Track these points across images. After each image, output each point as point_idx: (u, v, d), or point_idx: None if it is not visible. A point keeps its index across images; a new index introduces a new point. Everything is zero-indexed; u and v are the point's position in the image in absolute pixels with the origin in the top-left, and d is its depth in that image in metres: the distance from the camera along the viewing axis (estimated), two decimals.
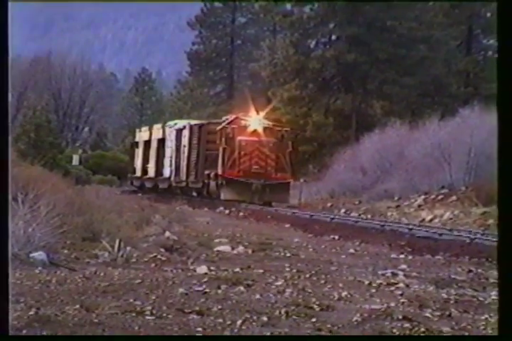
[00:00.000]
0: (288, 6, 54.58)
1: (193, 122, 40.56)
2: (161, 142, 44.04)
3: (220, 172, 34.17)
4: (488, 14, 51.64)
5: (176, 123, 42.61)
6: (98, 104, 74.39)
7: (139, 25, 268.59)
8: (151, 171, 45.58)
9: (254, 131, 34.30)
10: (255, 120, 34.74)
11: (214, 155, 35.30)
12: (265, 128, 34.56)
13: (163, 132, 43.96)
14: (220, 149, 34.34)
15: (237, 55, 71.63)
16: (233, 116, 36.02)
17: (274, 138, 34.56)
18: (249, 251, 14.31)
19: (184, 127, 40.18)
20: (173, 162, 40.94)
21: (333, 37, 54.15)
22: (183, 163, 39.24)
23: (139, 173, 48.23)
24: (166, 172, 42.35)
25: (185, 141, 39.45)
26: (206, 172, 36.12)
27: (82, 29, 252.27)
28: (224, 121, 36.01)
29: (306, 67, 50.74)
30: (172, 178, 41.02)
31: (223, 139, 34.37)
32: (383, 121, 46.35)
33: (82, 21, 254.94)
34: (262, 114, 35.43)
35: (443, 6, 52.17)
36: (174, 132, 41.52)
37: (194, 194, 38.81)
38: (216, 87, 73.14)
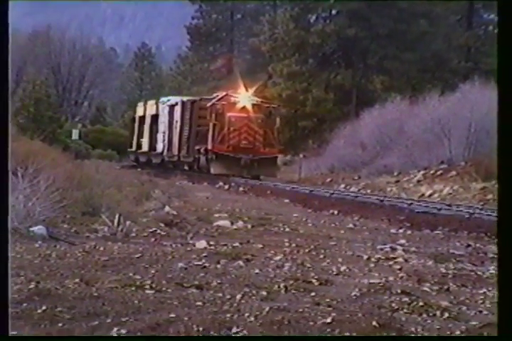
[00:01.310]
0: None
1: (186, 98, 41.34)
2: (155, 118, 44.90)
3: (210, 147, 35.34)
4: None
5: (169, 100, 43.39)
6: (98, 79, 74.11)
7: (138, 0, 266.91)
8: (145, 146, 46.55)
9: (243, 107, 35.37)
10: (244, 97, 35.78)
11: (205, 130, 36.34)
12: (254, 105, 35.66)
13: (157, 108, 44.77)
14: (210, 125, 35.54)
15: (237, 30, 71.31)
16: (223, 93, 37.01)
17: (262, 114, 35.67)
18: (249, 226, 14.35)
19: (177, 103, 41.07)
20: (166, 137, 41.95)
21: (334, 12, 53.96)
22: (175, 138, 40.34)
23: (134, 148, 49.19)
24: (159, 147, 43.34)
25: (177, 116, 40.48)
26: (197, 147, 37.19)
27: (81, 3, 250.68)
28: (214, 98, 36.96)
29: (306, 42, 50.61)
30: (165, 153, 42.08)
31: (213, 115, 35.52)
32: (383, 96, 46.37)
33: None
34: (251, 90, 36.37)
35: None
36: (167, 108, 42.40)
37: (186, 168, 39.72)
38: (216, 61, 72.87)
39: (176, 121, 40.59)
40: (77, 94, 70.22)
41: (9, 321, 5.21)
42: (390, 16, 49.44)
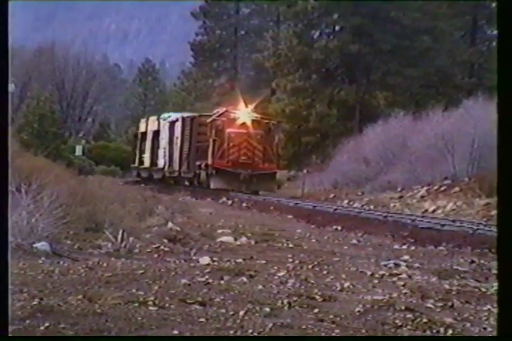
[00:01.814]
0: None
1: (186, 115, 41.95)
2: (156, 134, 45.50)
3: (210, 162, 35.80)
4: (493, 5, 51.38)
5: (169, 116, 44.04)
6: (101, 95, 74.36)
7: (142, 16, 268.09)
8: (147, 161, 47.17)
9: (243, 123, 35.87)
10: (244, 113, 36.28)
11: (205, 146, 36.82)
12: (253, 121, 36.14)
13: (158, 124, 45.33)
14: (210, 141, 35.99)
15: (241, 46, 71.42)
16: (223, 109, 37.52)
17: (261, 130, 36.18)
18: (252, 242, 14.33)
19: (177, 119, 41.68)
20: (167, 153, 42.54)
21: (337, 27, 54.07)
22: (176, 154, 40.88)
23: (136, 163, 49.75)
24: (160, 162, 43.92)
25: (177, 132, 41.06)
26: (197, 162, 37.73)
27: (86, 20, 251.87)
28: (214, 114, 37.49)
29: (309, 58, 50.68)
30: (166, 168, 42.69)
31: (213, 131, 35.99)
32: (387, 112, 46.25)
33: (85, 12, 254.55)
34: (251, 107, 36.81)
35: None
36: (168, 124, 43.05)
37: (186, 183, 40.29)
38: (220, 77, 72.99)
39: (177, 137, 41.16)
40: (81, 110, 70.40)
41: (9, 321, 5.20)
42: (393, 32, 49.54)
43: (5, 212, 4.94)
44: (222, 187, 34.88)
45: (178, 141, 40.68)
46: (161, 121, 44.66)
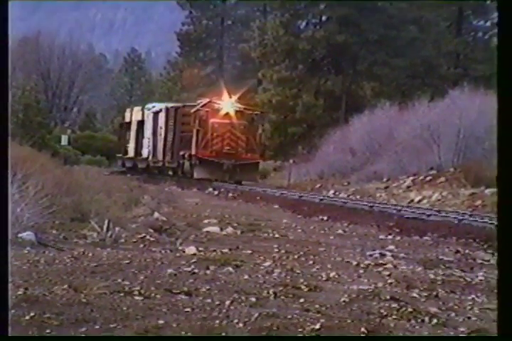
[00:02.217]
0: None
1: (170, 105, 42.13)
2: (141, 124, 45.58)
3: (193, 152, 36.13)
4: None
5: (154, 106, 44.26)
6: (87, 85, 74.02)
7: (128, 5, 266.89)
8: (131, 151, 47.24)
9: (226, 113, 36.18)
10: (227, 103, 36.46)
11: (188, 136, 37.05)
12: (237, 112, 36.42)
13: (143, 114, 45.46)
14: (194, 131, 36.27)
15: (227, 36, 71.27)
16: (207, 100, 37.64)
17: (245, 120, 36.55)
18: (238, 232, 14.34)
19: (161, 110, 41.96)
20: (151, 143, 42.79)
21: (324, 18, 54.00)
22: (160, 144, 41.19)
23: (121, 153, 49.84)
24: (145, 152, 44.15)
25: (161, 122, 41.35)
26: (181, 152, 37.98)
27: (71, 9, 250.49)
28: (198, 104, 37.63)
29: (296, 48, 50.64)
30: (150, 158, 42.95)
31: (197, 121, 36.36)
32: (373, 102, 46.34)
33: (70, 1, 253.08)
34: (234, 97, 36.91)
35: None
36: (152, 114, 43.29)
37: (170, 173, 40.65)
38: (206, 67, 72.85)
39: (161, 127, 41.43)
40: (67, 99, 70.09)
41: (9, 321, 5.20)
42: (380, 22, 49.54)
43: (5, 206, 4.93)
44: (205, 177, 35.22)
45: (162, 131, 40.99)
46: (146, 111, 44.85)
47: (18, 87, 51.42)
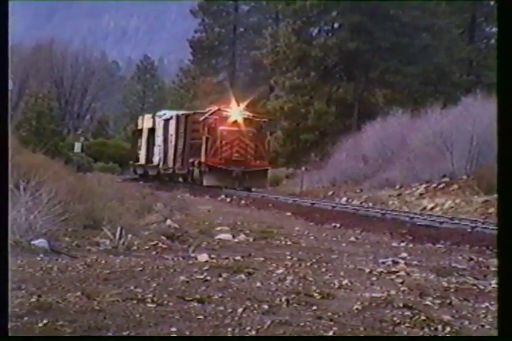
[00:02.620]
0: None
1: (181, 112, 42.57)
2: (151, 131, 46.05)
3: (203, 159, 36.44)
4: (492, 2, 51.42)
5: (164, 114, 44.77)
6: (100, 92, 74.34)
7: (141, 13, 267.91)
8: (142, 158, 47.71)
9: (235, 121, 36.62)
10: (236, 111, 36.95)
11: (198, 143, 37.43)
12: (245, 119, 36.87)
13: (154, 121, 45.90)
14: (203, 138, 36.62)
15: (240, 43, 71.38)
16: (215, 108, 38.09)
17: (253, 128, 36.96)
18: (251, 239, 14.33)
19: (171, 117, 42.42)
20: (162, 150, 43.20)
21: (336, 25, 54.02)
22: (171, 151, 41.63)
23: (133, 160, 50.39)
24: (155, 159, 44.58)
25: (172, 130, 41.79)
26: (191, 160, 38.34)
27: (84, 17, 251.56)
28: (207, 112, 38.14)
29: (308, 55, 50.64)
30: (160, 165, 43.32)
31: (206, 129, 36.71)
32: (385, 109, 46.31)
33: (84, 9, 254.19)
34: (243, 105, 37.39)
35: None
36: (162, 122, 43.75)
37: (180, 180, 41.01)
38: (218, 75, 72.96)
39: (171, 135, 41.81)
40: (80, 107, 70.36)
41: (9, 321, 5.20)
42: (392, 30, 49.50)
43: (5, 210, 4.94)
44: (215, 184, 35.53)
45: (173, 138, 41.36)
46: (156, 119, 45.27)
47: (32, 94, 51.70)
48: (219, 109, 37.49)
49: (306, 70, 52.02)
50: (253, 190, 35.58)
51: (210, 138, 36.26)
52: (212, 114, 37.52)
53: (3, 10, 4.90)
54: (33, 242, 10.18)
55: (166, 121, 43.04)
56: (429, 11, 50.67)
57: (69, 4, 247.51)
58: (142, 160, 47.56)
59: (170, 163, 41.67)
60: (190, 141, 39.06)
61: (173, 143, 41.14)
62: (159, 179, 42.99)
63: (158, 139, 44.10)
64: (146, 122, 47.80)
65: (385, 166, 34.63)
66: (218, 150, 36.01)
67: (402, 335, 5.99)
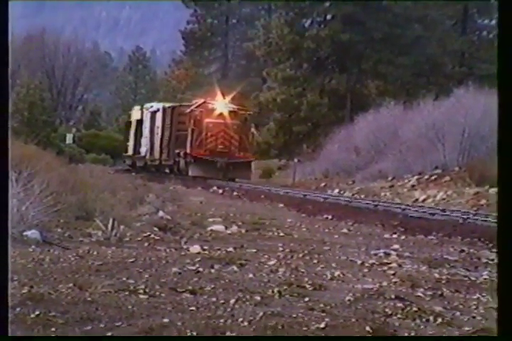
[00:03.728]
0: None
1: (167, 105, 43.50)
2: (140, 123, 46.78)
3: (188, 151, 37.54)
4: None
5: (151, 106, 45.61)
6: (92, 83, 74.09)
7: (133, 3, 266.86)
8: (130, 149, 48.51)
9: (220, 114, 37.56)
10: (221, 104, 37.85)
11: (184, 135, 38.45)
12: (230, 112, 37.80)
13: (141, 113, 46.64)
14: (189, 130, 37.71)
15: (232, 35, 71.26)
16: (201, 100, 39.02)
17: (238, 120, 37.93)
18: (243, 231, 14.33)
19: (158, 109, 43.29)
20: (149, 141, 44.17)
21: (328, 16, 53.94)
22: (157, 143, 42.64)
23: (123, 151, 51.21)
24: (143, 150, 45.50)
25: (159, 122, 42.72)
26: (177, 151, 39.37)
27: (76, 7, 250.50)
28: (193, 104, 39.16)
29: (300, 47, 50.62)
30: (147, 156, 44.33)
31: (192, 121, 37.79)
32: (378, 101, 46.34)
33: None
34: (228, 98, 38.24)
35: None
36: (150, 114, 44.59)
37: (166, 171, 41.86)
38: (211, 66, 72.85)
39: (158, 127, 42.72)
40: (72, 98, 70.14)
41: (9, 321, 5.20)
42: (385, 21, 49.48)
43: (5, 204, 4.94)
44: (200, 174, 36.58)
45: (159, 130, 42.25)
46: (144, 111, 46.05)
47: (23, 85, 51.49)
48: (205, 102, 38.34)
49: (298, 62, 52.02)
50: (243, 181, 36.06)
51: (196, 130, 37.22)
52: (198, 106, 38.39)
53: (3, 10, 4.89)
54: (24, 233, 10.16)
55: (153, 113, 43.87)
56: (421, 2, 50.68)
57: None
58: (130, 151, 48.42)
59: (156, 154, 42.61)
60: (176, 133, 39.96)
61: (160, 134, 42.05)
62: (146, 170, 43.84)
63: (146, 131, 44.99)
64: (134, 114, 48.59)
65: (377, 158, 34.68)
66: (203, 142, 36.93)
67: (402, 335, 6.00)
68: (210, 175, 36.43)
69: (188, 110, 38.73)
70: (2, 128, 4.94)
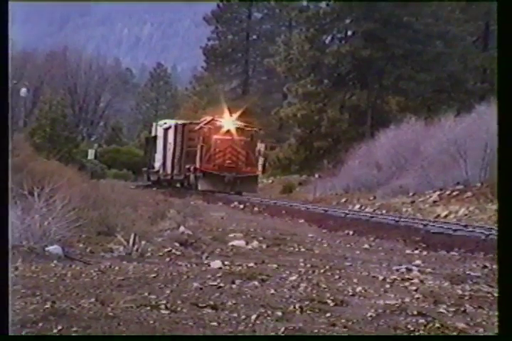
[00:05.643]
0: (304, 1, 54.55)
1: (179, 122, 45.06)
2: (154, 139, 48.47)
3: (198, 166, 39.04)
4: None
5: (165, 122, 47.40)
6: (113, 99, 74.64)
7: (154, 21, 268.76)
8: (150, 164, 49.77)
9: (228, 130, 39.34)
10: (229, 121, 39.60)
11: (194, 151, 39.97)
12: (237, 129, 39.61)
13: (156, 130, 48.40)
14: (198, 146, 39.24)
15: (253, 51, 71.54)
16: (210, 118, 40.86)
17: (244, 137, 39.75)
18: (264, 246, 14.30)
19: (170, 126, 44.85)
20: (162, 157, 45.72)
21: (349, 32, 54.03)
22: (169, 158, 44.18)
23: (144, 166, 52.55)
24: (156, 165, 47.11)
25: (171, 138, 44.18)
26: (187, 166, 40.89)
27: (98, 24, 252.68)
28: (202, 122, 40.95)
29: (321, 63, 50.70)
30: (160, 171, 45.95)
31: (201, 138, 39.55)
32: (399, 117, 46.25)
33: (97, 17, 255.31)
34: (235, 115, 39.96)
35: (460, 2, 51.99)
36: (163, 131, 46.24)
37: (178, 185, 43.97)
38: (232, 82, 73.10)
39: (170, 143, 44.24)
40: (93, 114, 70.65)
41: (9, 321, 5.20)
42: (406, 37, 49.45)
43: (5, 213, 4.95)
44: (208, 188, 38.15)
45: (171, 146, 43.71)
46: (158, 128, 47.61)
47: (46, 101, 51.91)
48: (213, 119, 40.12)
49: (319, 78, 52.09)
50: (265, 197, 36.42)
51: (205, 146, 38.85)
52: (206, 123, 40.12)
53: (3, 10, 4.91)
54: (47, 248, 10.21)
55: (166, 130, 45.37)
56: (442, 18, 50.62)
57: (83, 12, 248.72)
58: (148, 166, 49.75)
59: (168, 169, 44.18)
60: (187, 149, 41.49)
61: (172, 150, 43.49)
62: (159, 184, 45.54)
63: (159, 146, 46.42)
64: (153, 130, 49.98)
65: (398, 173, 34.54)
66: (212, 157, 38.65)
67: (401, 335, 5.96)
68: (219, 188, 38.05)
69: (198, 127, 40.40)
70: (2, 134, 4.94)
